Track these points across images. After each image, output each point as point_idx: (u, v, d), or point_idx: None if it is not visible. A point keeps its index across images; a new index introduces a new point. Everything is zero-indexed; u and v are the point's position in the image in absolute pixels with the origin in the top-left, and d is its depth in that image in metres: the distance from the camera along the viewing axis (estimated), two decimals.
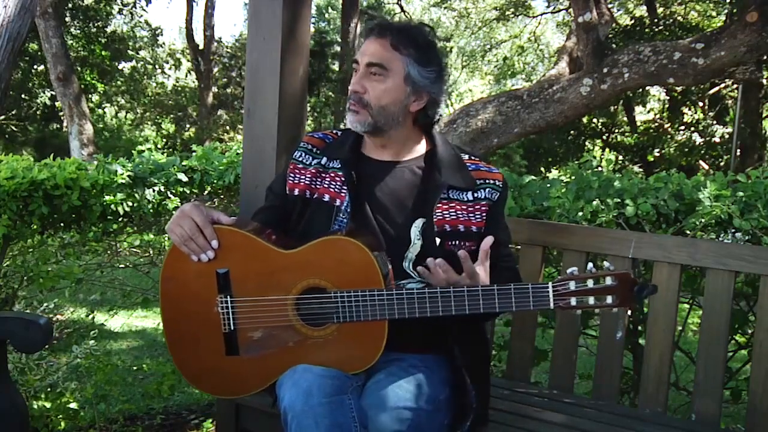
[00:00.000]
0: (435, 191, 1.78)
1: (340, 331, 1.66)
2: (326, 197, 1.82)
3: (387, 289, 1.63)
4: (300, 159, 1.88)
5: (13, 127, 15.55)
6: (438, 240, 1.75)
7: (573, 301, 1.58)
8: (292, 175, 1.88)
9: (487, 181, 1.82)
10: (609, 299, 1.58)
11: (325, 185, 1.84)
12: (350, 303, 1.63)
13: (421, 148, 1.87)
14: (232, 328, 1.72)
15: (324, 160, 1.86)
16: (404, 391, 1.61)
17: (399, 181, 1.82)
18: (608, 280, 1.57)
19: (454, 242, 1.77)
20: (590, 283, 1.58)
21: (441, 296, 1.61)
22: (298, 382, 1.59)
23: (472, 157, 1.87)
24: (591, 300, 1.58)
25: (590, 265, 1.61)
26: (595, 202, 2.50)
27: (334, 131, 1.93)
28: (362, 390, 1.67)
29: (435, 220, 1.76)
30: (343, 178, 1.81)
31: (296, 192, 1.86)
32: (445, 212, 1.78)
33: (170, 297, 1.77)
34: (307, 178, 1.86)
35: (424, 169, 1.83)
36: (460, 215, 1.79)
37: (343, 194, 1.80)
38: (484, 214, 1.80)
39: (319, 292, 1.66)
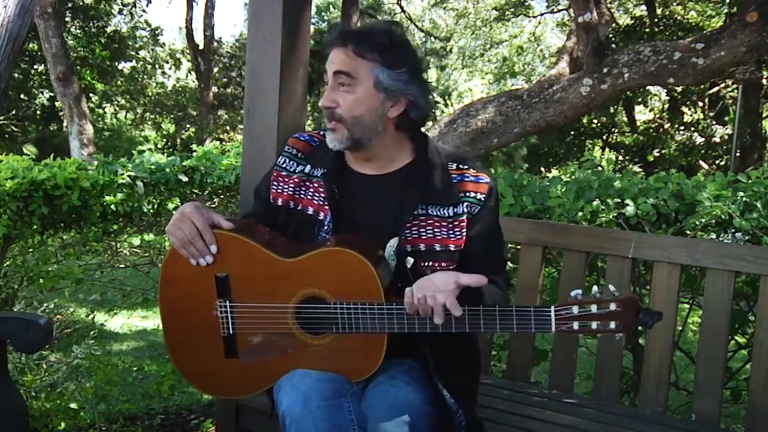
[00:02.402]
0: (408, 209, 1.69)
1: (340, 340, 1.66)
2: (310, 210, 1.77)
3: (387, 302, 1.61)
4: (284, 166, 1.82)
5: (13, 127, 15.55)
6: (411, 260, 1.68)
7: (575, 325, 1.56)
8: (275, 183, 1.82)
9: (468, 194, 1.71)
10: (612, 324, 1.55)
11: (309, 196, 1.78)
12: (350, 315, 1.62)
13: (407, 157, 1.77)
14: (231, 332, 1.72)
15: (308, 168, 1.79)
16: (405, 394, 1.61)
17: (379, 197, 1.74)
18: (613, 306, 1.54)
19: (427, 263, 1.69)
20: (594, 308, 1.55)
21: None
22: (297, 385, 1.59)
23: (461, 166, 1.75)
24: (594, 324, 1.56)
25: (595, 288, 1.59)
26: (595, 202, 2.50)
27: (321, 132, 1.84)
28: (362, 393, 1.66)
29: (409, 239, 1.69)
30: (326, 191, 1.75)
31: (280, 202, 1.81)
32: (421, 230, 1.70)
33: (169, 298, 1.77)
34: (290, 188, 1.80)
35: (402, 185, 1.74)
36: (438, 233, 1.70)
37: (326, 207, 1.74)
38: (463, 231, 1.71)
39: (318, 302, 1.65)
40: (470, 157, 1.83)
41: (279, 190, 1.82)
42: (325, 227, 1.74)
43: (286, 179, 1.81)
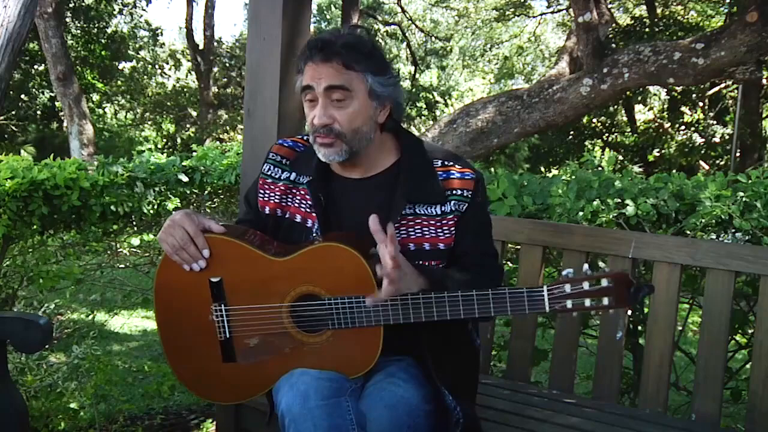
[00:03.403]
0: (396, 210, 1.68)
1: (336, 337, 1.66)
2: (297, 218, 1.77)
3: None
4: (269, 173, 1.82)
5: (13, 127, 15.56)
6: None
7: (569, 303, 1.56)
8: (261, 191, 1.83)
9: (454, 191, 1.71)
10: (606, 301, 1.55)
11: (296, 204, 1.78)
12: (344, 309, 1.62)
13: (391, 158, 1.77)
14: (227, 336, 1.72)
15: (293, 175, 1.79)
16: (403, 391, 1.61)
17: (366, 200, 1.74)
18: (604, 282, 1.55)
19: (417, 262, 1.67)
20: (586, 285, 1.55)
21: (435, 301, 1.59)
22: (295, 385, 1.59)
23: (446, 163, 1.74)
24: (587, 302, 1.56)
25: (586, 266, 1.59)
26: (595, 202, 2.50)
27: (305, 137, 1.83)
28: (361, 391, 1.66)
29: (397, 239, 1.65)
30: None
31: (267, 210, 1.81)
32: (410, 230, 1.70)
33: (165, 305, 1.77)
34: (276, 196, 1.80)
35: (389, 185, 1.73)
36: (426, 232, 1.70)
37: (313, 215, 1.74)
38: (452, 229, 1.71)
39: (312, 299, 1.65)
40: (455, 154, 1.82)
41: (266, 198, 1.82)
42: (314, 234, 1.74)
43: (272, 187, 1.81)
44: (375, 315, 1.61)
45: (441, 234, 1.71)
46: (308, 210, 1.76)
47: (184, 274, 1.70)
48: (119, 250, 3.64)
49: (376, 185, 1.75)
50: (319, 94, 1.65)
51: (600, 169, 2.88)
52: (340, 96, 1.64)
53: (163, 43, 20.08)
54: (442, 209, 1.71)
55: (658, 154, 10.93)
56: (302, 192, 1.78)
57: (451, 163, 1.75)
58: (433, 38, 19.92)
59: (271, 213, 1.81)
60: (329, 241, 1.65)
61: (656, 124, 11.32)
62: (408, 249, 1.69)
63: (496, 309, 1.59)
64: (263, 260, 1.67)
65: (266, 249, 1.70)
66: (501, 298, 1.59)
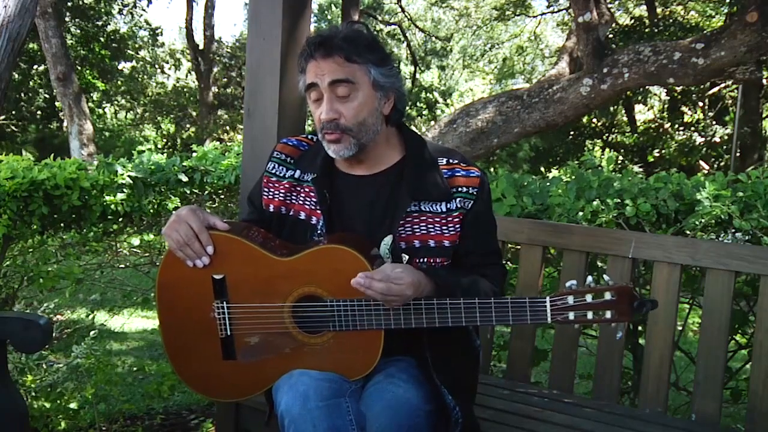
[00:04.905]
0: (401, 207, 1.69)
1: (337, 338, 1.66)
2: (302, 215, 1.77)
3: None
4: (273, 171, 1.82)
5: (13, 127, 15.55)
6: (406, 257, 1.68)
7: (571, 315, 1.56)
8: (266, 189, 1.82)
9: (460, 189, 1.72)
10: (608, 314, 1.56)
11: (300, 201, 1.78)
12: (346, 312, 1.62)
13: (396, 155, 1.77)
14: (228, 333, 1.72)
15: (297, 173, 1.79)
16: (404, 392, 1.61)
17: (371, 197, 1.75)
18: (607, 295, 1.55)
19: (422, 259, 1.70)
20: (589, 298, 1.55)
21: (437, 308, 1.60)
22: (295, 385, 1.59)
23: (451, 161, 1.75)
24: (589, 314, 1.56)
25: (590, 278, 1.59)
26: (595, 202, 2.50)
27: (309, 136, 1.85)
28: (361, 392, 1.66)
29: (403, 236, 1.69)
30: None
31: (271, 208, 1.81)
32: (415, 227, 1.70)
33: (167, 301, 1.77)
34: (281, 193, 1.80)
35: (394, 182, 1.74)
36: (431, 229, 1.71)
37: (318, 212, 1.74)
38: (457, 226, 1.71)
39: (315, 301, 1.65)
40: (459, 152, 1.83)
41: (270, 196, 1.82)
42: (318, 231, 1.74)
43: (277, 185, 1.81)
44: (377, 319, 1.61)
45: (446, 231, 1.72)
46: (313, 207, 1.76)
47: (187, 272, 1.70)
48: (119, 250, 3.64)
49: (381, 182, 1.75)
50: (323, 89, 1.65)
51: (600, 169, 2.87)
52: (344, 90, 1.65)
53: (163, 43, 20.07)
54: (448, 206, 1.71)
55: (658, 154, 10.93)
56: (307, 189, 1.78)
57: (456, 161, 1.76)
58: (433, 38, 19.91)
59: (275, 211, 1.81)
60: (333, 243, 1.65)
61: (656, 124, 11.32)
62: (413, 246, 1.70)
63: (497, 318, 1.60)
64: (267, 259, 1.67)
65: (270, 248, 1.69)
66: (503, 307, 1.59)
